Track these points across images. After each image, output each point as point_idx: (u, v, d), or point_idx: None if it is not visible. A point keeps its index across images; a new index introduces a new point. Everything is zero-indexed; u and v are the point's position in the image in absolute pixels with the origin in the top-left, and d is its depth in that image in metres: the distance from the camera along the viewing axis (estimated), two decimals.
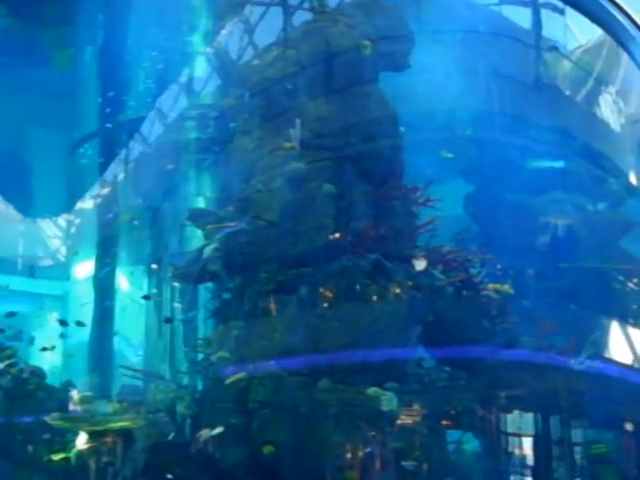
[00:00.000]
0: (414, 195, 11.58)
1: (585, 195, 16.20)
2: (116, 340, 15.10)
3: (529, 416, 12.45)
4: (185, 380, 11.93)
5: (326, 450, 9.99)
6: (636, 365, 14.17)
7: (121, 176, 15.04)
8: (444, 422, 11.23)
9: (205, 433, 10.72)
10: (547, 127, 14.91)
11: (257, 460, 10.22)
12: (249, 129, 11.90)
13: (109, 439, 10.67)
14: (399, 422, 10.45)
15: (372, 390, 10.24)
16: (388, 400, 10.16)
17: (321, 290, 10.75)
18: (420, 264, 11.32)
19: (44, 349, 13.97)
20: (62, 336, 14.04)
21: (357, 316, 10.63)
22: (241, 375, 10.63)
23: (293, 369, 10.49)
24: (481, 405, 11.69)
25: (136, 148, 14.77)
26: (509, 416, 12.27)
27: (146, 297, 13.53)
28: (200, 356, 11.79)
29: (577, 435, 12.66)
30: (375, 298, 10.70)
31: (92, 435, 10.51)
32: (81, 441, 10.51)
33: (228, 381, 10.67)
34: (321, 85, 11.58)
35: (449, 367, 11.82)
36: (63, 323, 13.81)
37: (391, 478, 9.93)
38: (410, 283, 11.26)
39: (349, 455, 9.99)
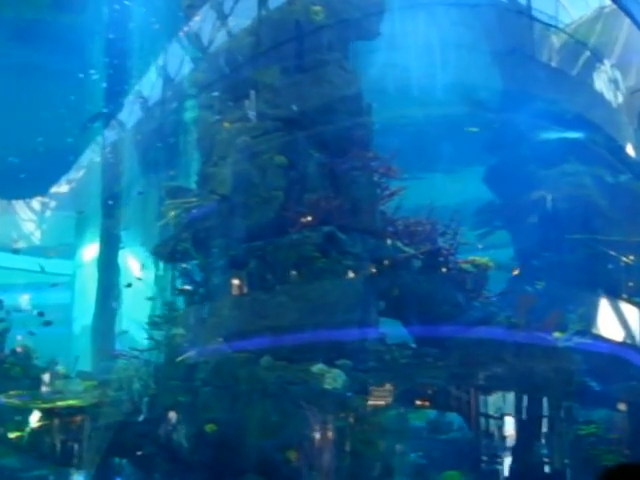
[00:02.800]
0: (376, 164, 10.97)
1: (604, 167, 15.31)
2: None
3: (507, 395, 11.78)
4: (147, 358, 11.76)
5: (266, 429, 9.67)
6: (628, 341, 13.32)
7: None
8: (406, 400, 10.69)
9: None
10: (548, 100, 14.14)
11: (203, 438, 9.98)
12: (211, 103, 11.61)
13: (65, 418, 10.60)
14: (348, 401, 9.92)
15: (317, 368, 9.89)
16: (333, 378, 9.76)
17: (271, 264, 10.35)
18: (382, 235, 10.82)
19: (47, 323, 14.01)
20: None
21: (306, 290, 10.23)
22: (191, 353, 10.38)
23: (240, 346, 10.17)
24: (451, 383, 11.11)
25: (114, 131, 14.70)
26: (484, 395, 11.65)
27: (128, 285, 13.48)
28: (160, 334, 11.62)
29: (564, 415, 11.94)
30: (327, 271, 10.24)
31: (45, 413, 10.45)
32: (34, 419, 10.48)
33: (178, 359, 10.46)
34: (276, 55, 11.17)
35: (419, 344, 11.25)
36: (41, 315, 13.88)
37: (331, 457, 9.54)
38: (369, 256, 10.68)
39: (289, 434, 9.63)
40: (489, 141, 15.93)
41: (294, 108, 10.96)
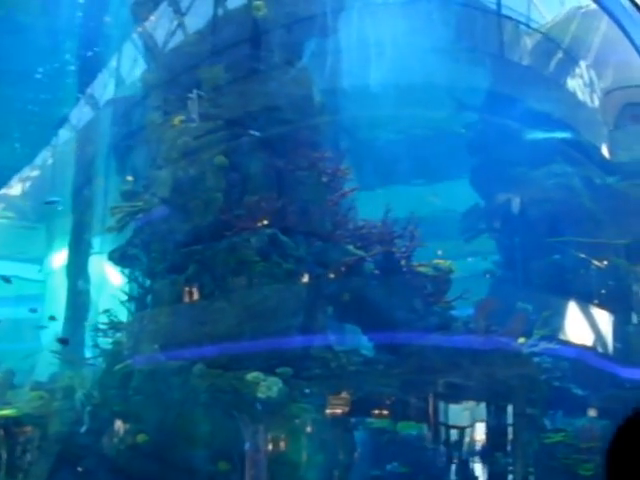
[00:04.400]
0: (323, 165, 10.55)
1: (593, 168, 14.73)
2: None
3: (469, 404, 11.30)
4: (90, 366, 11.46)
5: (197, 439, 9.29)
6: (598, 348, 12.72)
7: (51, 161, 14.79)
8: (351, 409, 10.24)
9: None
10: (531, 101, 13.64)
11: (136, 448, 9.64)
12: (159, 104, 11.29)
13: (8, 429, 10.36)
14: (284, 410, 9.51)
15: (252, 376, 9.46)
16: (267, 387, 9.35)
17: (209, 269, 9.98)
18: (330, 238, 10.39)
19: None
20: None
21: (245, 296, 9.83)
22: (128, 361, 10.06)
23: (176, 354, 9.82)
24: (405, 392, 10.64)
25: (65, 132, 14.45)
26: (444, 404, 11.17)
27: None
28: (104, 342, 11.31)
29: (529, 423, 11.42)
30: (266, 276, 9.83)
31: None
32: None
33: (116, 367, 10.14)
34: (221, 54, 10.82)
35: (372, 351, 10.79)
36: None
37: (263, 468, 9.13)
38: (315, 259, 10.26)
39: (220, 444, 9.25)
40: (473, 143, 15.42)
41: (237, 108, 10.50)
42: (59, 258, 16.16)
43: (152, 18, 11.62)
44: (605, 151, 13.86)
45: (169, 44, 11.78)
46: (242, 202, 10.32)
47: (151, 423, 9.54)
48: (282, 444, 9.39)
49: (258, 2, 10.70)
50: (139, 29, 11.79)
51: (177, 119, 10.82)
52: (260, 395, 9.34)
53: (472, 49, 14.28)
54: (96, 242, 14.77)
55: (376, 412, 10.76)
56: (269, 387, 9.46)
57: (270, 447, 9.30)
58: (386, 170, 14.41)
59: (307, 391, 9.85)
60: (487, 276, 14.53)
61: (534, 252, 14.33)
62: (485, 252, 16.09)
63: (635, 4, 13.25)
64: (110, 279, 15.11)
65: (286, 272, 10.08)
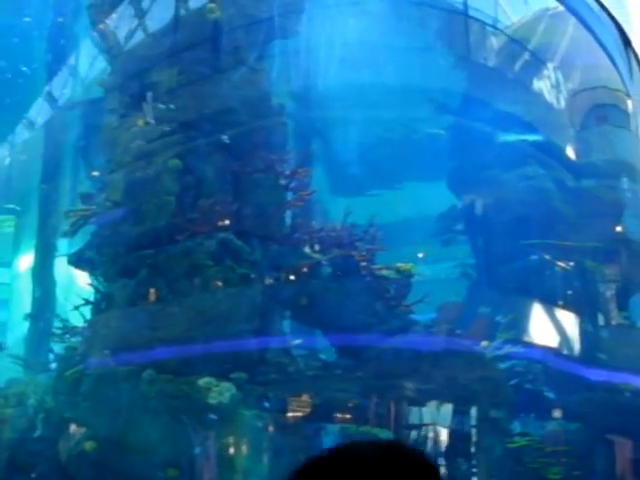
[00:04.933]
0: (281, 167, 10.41)
1: (563, 170, 14.61)
2: None
3: (431, 408, 11.14)
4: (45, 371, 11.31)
5: (146, 446, 9.13)
6: (565, 350, 12.58)
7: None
8: (309, 414, 10.08)
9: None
10: (502, 103, 13.52)
11: (85, 456, 9.48)
12: (115, 106, 11.14)
13: None
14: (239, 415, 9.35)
15: (203, 381, 9.30)
16: (219, 392, 9.19)
17: (162, 273, 9.83)
18: (287, 241, 10.25)
19: None
20: None
21: (197, 300, 9.68)
22: (79, 367, 9.90)
23: (127, 358, 9.66)
24: (364, 396, 10.48)
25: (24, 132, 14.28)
26: (405, 408, 11.01)
27: None
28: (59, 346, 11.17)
29: (492, 427, 11.27)
30: (219, 280, 9.68)
31: None
32: None
33: (68, 373, 9.98)
34: (174, 56, 10.68)
35: (331, 355, 10.65)
36: None
37: (214, 475, 8.97)
38: (271, 263, 10.11)
39: (170, 451, 9.08)
40: (449, 145, 15.32)
41: (192, 111, 10.36)
42: (25, 261, 16.01)
43: (108, 21, 11.45)
44: (574, 153, 13.74)
45: (126, 47, 11.61)
46: (196, 205, 10.14)
47: (100, 430, 9.36)
48: (234, 450, 9.20)
49: (212, 5, 10.55)
50: (96, 31, 11.59)
51: (132, 122, 10.66)
52: (211, 401, 9.18)
53: (443, 50, 14.16)
54: (64, 245, 14.59)
55: (336, 417, 10.54)
56: (221, 392, 9.31)
57: (221, 453, 9.10)
58: (358, 173, 14.29)
59: (263, 396, 9.63)
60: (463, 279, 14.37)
61: (507, 255, 14.20)
62: (461, 256, 15.95)
63: (602, 6, 13.20)
64: (76, 283, 14.92)
65: (240, 276, 9.94)
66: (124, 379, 9.41)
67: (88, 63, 12.74)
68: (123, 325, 9.79)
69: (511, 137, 14.26)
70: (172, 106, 10.47)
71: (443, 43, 13.90)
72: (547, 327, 12.43)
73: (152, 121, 10.41)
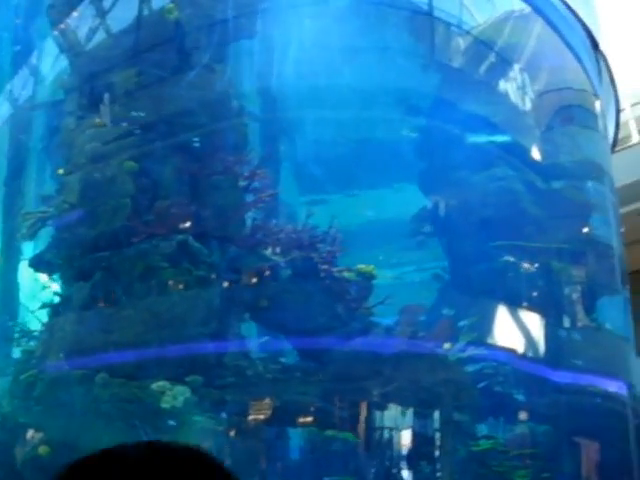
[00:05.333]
0: (240, 169, 10.31)
1: (532, 171, 14.54)
2: None
3: (393, 411, 11.04)
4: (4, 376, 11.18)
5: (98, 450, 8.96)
6: (529, 352, 12.50)
7: None
8: (269, 418, 9.97)
9: None
10: (472, 104, 13.46)
11: (38, 461, 9.34)
12: (73, 108, 11.04)
13: None
14: (194, 419, 9.23)
15: (157, 385, 9.18)
16: (173, 396, 9.07)
17: (117, 276, 9.72)
18: (245, 244, 10.14)
19: None
20: None
21: (152, 303, 9.57)
22: (33, 371, 9.78)
23: (81, 362, 9.54)
24: (325, 400, 10.38)
25: None
26: (368, 411, 10.91)
27: None
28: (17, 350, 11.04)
29: (455, 430, 11.19)
30: (175, 283, 9.57)
31: None
32: None
33: (22, 377, 9.85)
34: (133, 57, 10.58)
35: (292, 358, 10.55)
36: None
37: None
38: (229, 265, 10.00)
39: None
40: (418, 146, 15.23)
41: (150, 112, 10.27)
42: None
43: (69, 21, 11.35)
44: (541, 154, 13.68)
45: (86, 47, 11.51)
46: (153, 208, 10.04)
47: (54, 434, 9.23)
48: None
49: (170, 5, 10.47)
50: (57, 30, 11.49)
51: (89, 123, 10.57)
52: (164, 405, 9.06)
53: (409, 51, 14.10)
54: (30, 248, 14.41)
55: (297, 421, 10.45)
56: (174, 396, 9.19)
57: None
58: (323, 175, 14.18)
59: (220, 400, 9.53)
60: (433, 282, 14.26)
61: (475, 257, 14.12)
62: (430, 258, 15.84)
63: (570, 8, 13.17)
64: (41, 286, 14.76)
65: (197, 278, 9.83)
66: (77, 383, 9.27)
67: (50, 63, 12.60)
68: (78, 328, 9.69)
69: (479, 138, 14.19)
70: (129, 107, 10.29)
71: (409, 44, 13.81)
72: (513, 329, 12.35)
73: (108, 122, 10.25)
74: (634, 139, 22.04)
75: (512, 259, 12.77)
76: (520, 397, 11.95)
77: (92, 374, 9.39)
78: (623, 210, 21.74)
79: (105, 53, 11.04)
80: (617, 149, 21.09)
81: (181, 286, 9.68)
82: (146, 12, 10.97)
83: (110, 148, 10.16)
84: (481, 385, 11.74)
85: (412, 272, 14.84)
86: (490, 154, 14.17)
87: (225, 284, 10.01)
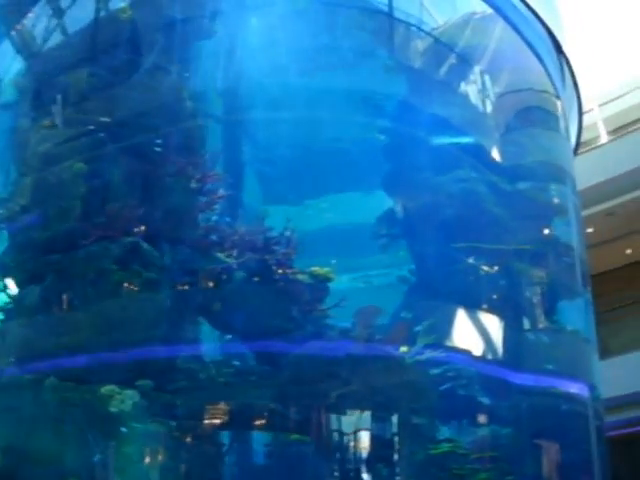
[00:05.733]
0: (194, 171, 10.23)
1: (495, 173, 14.51)
2: None
3: (351, 415, 10.97)
4: None
5: (47, 455, 8.91)
6: (489, 354, 12.46)
7: None
8: (221, 421, 9.90)
9: None
10: (415, 104, 13.42)
11: None
12: (27, 110, 10.96)
13: None
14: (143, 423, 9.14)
15: (106, 389, 9.08)
16: (121, 400, 8.98)
17: (67, 279, 9.63)
18: (198, 246, 10.07)
19: None
20: None
21: (102, 306, 9.48)
22: None
23: (31, 367, 9.44)
24: (279, 403, 10.31)
25: None
26: (324, 415, 10.83)
27: None
28: None
29: (413, 433, 11.13)
30: (124, 286, 9.48)
31: None
32: None
33: None
34: (87, 58, 10.51)
35: (246, 361, 10.46)
36: None
37: None
38: (181, 268, 9.92)
39: (71, 460, 8.88)
40: (382, 148, 15.16)
41: (103, 114, 10.19)
42: None
43: (26, 21, 11.26)
44: (503, 155, 13.67)
45: (41, 48, 11.43)
46: (103, 210, 9.96)
47: (3, 440, 9.12)
48: (137, 460, 9.00)
49: (123, 5, 10.41)
50: (13, 31, 11.41)
51: (40, 125, 10.49)
52: (112, 409, 8.98)
53: (372, 52, 14.06)
54: None
55: (252, 424, 10.37)
56: (123, 400, 9.10)
57: (123, 463, 8.90)
58: (293, 179, 14.10)
59: (171, 404, 9.44)
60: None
61: (439, 259, 14.08)
62: (396, 262, 15.76)
63: (531, 9, 13.17)
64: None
65: (147, 281, 9.73)
66: (27, 387, 9.18)
67: (6, 64, 12.52)
68: (28, 332, 9.59)
69: (442, 140, 14.17)
70: (81, 109, 10.22)
71: (368, 45, 13.78)
72: (473, 331, 12.32)
73: (60, 124, 10.18)
74: (602, 139, 22.14)
75: (472, 261, 12.73)
76: (481, 400, 11.90)
77: (42, 378, 9.27)
78: (593, 210, 21.90)
79: (60, 54, 10.95)
80: (586, 149, 21.22)
81: (131, 289, 9.56)
82: (101, 13, 10.85)
83: (61, 150, 10.05)
84: (441, 388, 11.67)
85: (376, 275, 14.78)
86: (456, 156, 14.14)
87: (176, 286, 9.88)
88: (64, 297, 9.71)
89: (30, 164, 10.31)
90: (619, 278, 25.21)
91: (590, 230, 23.30)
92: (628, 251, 25.59)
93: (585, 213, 22.96)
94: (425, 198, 13.32)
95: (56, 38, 11.53)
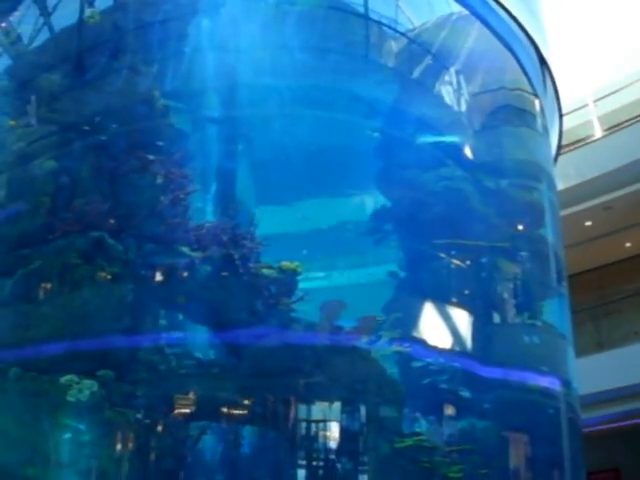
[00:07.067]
0: (162, 168, 10.58)
1: (477, 171, 14.67)
2: None
3: (314, 408, 11.22)
4: None
5: (8, 444, 9.31)
6: (460, 348, 12.62)
7: None
8: (181, 413, 10.21)
9: None
10: (397, 105, 13.61)
11: None
12: (7, 110, 11.40)
13: None
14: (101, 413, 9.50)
15: (65, 379, 9.46)
16: (79, 389, 9.34)
17: (36, 273, 10.04)
18: (163, 240, 10.41)
19: None
20: None
21: (67, 300, 9.87)
22: None
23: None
24: (241, 396, 10.60)
25: None
26: (286, 408, 11.10)
27: None
28: None
29: (378, 427, 11.35)
30: (88, 279, 9.86)
31: None
32: None
33: None
34: (61, 60, 10.90)
35: (208, 354, 10.78)
36: None
37: (72, 475, 9.14)
38: (145, 262, 10.28)
39: (29, 449, 9.27)
40: (374, 146, 15.35)
41: (72, 113, 10.57)
42: None
43: (3, 24, 11.67)
44: (483, 153, 13.80)
45: (22, 49, 11.83)
46: (70, 206, 10.33)
47: None
48: (92, 450, 9.34)
49: (91, 10, 10.76)
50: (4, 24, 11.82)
51: (15, 124, 10.89)
52: (70, 398, 9.32)
53: (356, 54, 14.24)
54: None
55: (214, 416, 10.65)
56: (80, 390, 9.43)
57: (79, 453, 9.25)
58: (282, 179, 14.34)
59: (131, 395, 9.76)
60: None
61: (422, 255, 14.25)
62: (388, 258, 15.92)
63: (507, 10, 13.29)
64: None
65: (111, 275, 10.07)
66: None
67: None
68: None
69: (425, 139, 14.33)
70: (54, 109, 10.60)
71: (355, 47, 13.96)
72: (442, 325, 12.49)
73: (34, 123, 10.57)
74: (597, 135, 22.10)
75: (443, 255, 12.90)
76: (451, 393, 12.04)
77: (7, 369, 9.65)
78: (590, 204, 21.90)
79: (36, 54, 11.33)
80: (583, 143, 21.22)
81: (94, 282, 9.91)
82: (71, 16, 11.21)
83: (34, 148, 10.44)
84: (408, 381, 11.85)
85: (363, 273, 14.98)
86: (439, 154, 14.30)
87: (140, 280, 10.22)
88: (32, 291, 10.05)
89: (6, 161, 10.70)
90: (619, 271, 25.20)
91: (588, 224, 23.31)
92: (627, 244, 25.55)
93: (583, 207, 23.05)
94: (414, 195, 13.47)
95: (36, 40, 11.87)
